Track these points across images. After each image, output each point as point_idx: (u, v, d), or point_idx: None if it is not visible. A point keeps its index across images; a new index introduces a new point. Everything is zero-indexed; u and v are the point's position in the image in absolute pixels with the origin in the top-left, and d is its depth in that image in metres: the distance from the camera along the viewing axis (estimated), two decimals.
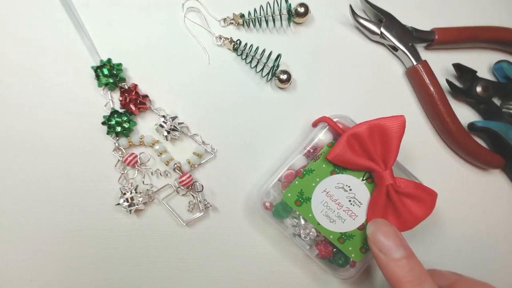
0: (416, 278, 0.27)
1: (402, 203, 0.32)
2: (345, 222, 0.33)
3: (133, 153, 0.36)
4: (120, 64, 0.37)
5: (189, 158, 0.37)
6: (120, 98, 0.36)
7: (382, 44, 0.39)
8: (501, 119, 0.38)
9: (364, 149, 0.31)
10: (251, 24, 0.38)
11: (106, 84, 0.36)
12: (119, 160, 0.36)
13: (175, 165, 0.36)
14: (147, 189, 0.36)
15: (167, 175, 0.37)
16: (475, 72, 0.38)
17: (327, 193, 0.33)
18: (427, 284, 0.26)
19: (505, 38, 0.39)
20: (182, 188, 0.36)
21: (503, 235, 0.39)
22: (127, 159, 0.36)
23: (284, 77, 0.37)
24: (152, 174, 0.37)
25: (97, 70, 0.36)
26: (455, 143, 0.38)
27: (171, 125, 0.36)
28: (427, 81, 0.37)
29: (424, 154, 0.39)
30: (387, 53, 0.40)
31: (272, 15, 0.38)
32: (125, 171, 0.37)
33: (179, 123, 0.37)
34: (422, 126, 0.39)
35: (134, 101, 0.36)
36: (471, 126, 0.39)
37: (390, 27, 0.38)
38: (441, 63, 0.40)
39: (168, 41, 0.38)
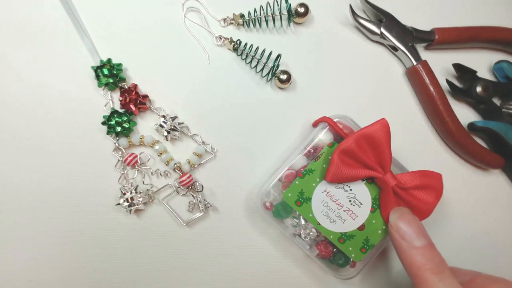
0: (436, 266, 0.27)
1: (412, 196, 0.32)
2: (345, 222, 0.33)
3: (133, 153, 0.36)
4: (120, 64, 0.37)
5: (189, 158, 0.37)
6: (120, 98, 0.36)
7: (382, 44, 0.39)
8: (501, 119, 0.38)
9: (358, 161, 0.32)
10: (251, 24, 0.38)
11: (106, 84, 0.36)
12: (119, 160, 0.36)
13: (175, 165, 0.36)
14: (147, 189, 0.36)
15: (167, 175, 0.37)
16: (475, 72, 0.38)
17: (328, 193, 0.33)
18: (447, 272, 0.27)
19: (505, 38, 0.39)
20: (182, 188, 0.36)
21: (503, 235, 0.39)
22: (127, 159, 0.36)
23: (284, 77, 0.37)
24: (152, 174, 0.37)
25: (97, 70, 0.36)
26: (455, 143, 0.38)
27: (171, 125, 0.36)
28: (427, 81, 0.37)
29: (424, 154, 0.39)
30: (387, 53, 0.40)
31: (272, 15, 0.38)
32: (125, 171, 0.37)
33: (179, 123, 0.37)
34: (422, 126, 0.39)
35: (134, 101, 0.36)
36: (471, 126, 0.39)
37: (390, 27, 0.38)
38: (441, 63, 0.40)
39: (168, 41, 0.38)
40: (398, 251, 0.30)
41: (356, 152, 0.31)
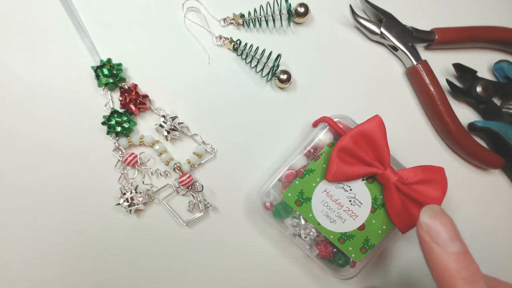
0: (470, 276, 0.25)
1: (416, 191, 0.32)
2: (345, 222, 0.33)
3: (133, 153, 0.36)
4: (120, 64, 0.37)
5: (189, 158, 0.37)
6: (120, 98, 0.36)
7: (382, 44, 0.39)
8: (501, 119, 0.38)
9: (357, 158, 0.32)
10: (251, 24, 0.38)
11: (106, 84, 0.36)
12: (119, 160, 0.36)
13: (175, 165, 0.36)
14: (147, 189, 0.36)
15: (167, 175, 0.37)
16: (475, 72, 0.38)
17: (328, 193, 0.33)
18: (481, 283, 0.25)
19: (505, 38, 0.39)
20: (182, 188, 0.36)
21: (503, 235, 0.39)
22: (127, 159, 0.36)
23: (284, 77, 0.37)
24: (152, 174, 0.37)
25: (97, 70, 0.36)
26: (455, 143, 0.38)
27: (171, 125, 0.36)
28: (427, 81, 0.37)
29: (424, 154, 0.39)
30: (387, 53, 0.40)
31: (272, 15, 0.38)
32: (125, 171, 0.37)
33: (179, 123, 0.37)
34: (422, 126, 0.39)
35: (134, 101, 0.36)
36: (471, 126, 0.39)
37: (390, 27, 0.38)
38: (441, 63, 0.40)
39: (168, 41, 0.38)
40: (427, 254, 0.26)
41: (354, 150, 0.31)
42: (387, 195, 0.33)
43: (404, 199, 0.32)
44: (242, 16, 0.38)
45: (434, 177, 0.32)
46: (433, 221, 0.27)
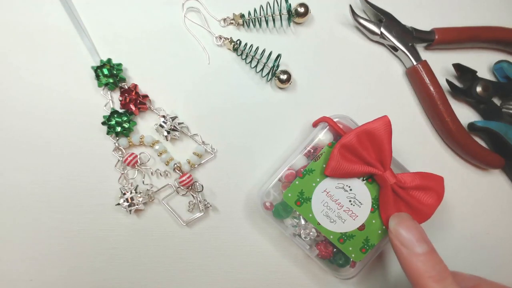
0: (437, 274, 0.27)
1: (411, 196, 0.32)
2: (345, 222, 0.33)
3: (133, 153, 0.36)
4: (120, 64, 0.37)
5: (189, 158, 0.37)
6: (120, 98, 0.36)
7: (382, 44, 0.39)
8: (501, 119, 0.38)
9: (358, 157, 0.32)
10: (251, 24, 0.38)
11: (106, 84, 0.36)
12: (119, 160, 0.36)
13: (175, 165, 0.36)
14: (147, 189, 0.36)
15: (167, 175, 0.37)
16: (475, 72, 0.38)
17: (327, 193, 0.33)
18: (449, 280, 0.26)
19: (505, 38, 0.39)
20: (182, 188, 0.36)
21: (503, 235, 0.39)
22: (127, 159, 0.36)
23: (284, 77, 0.37)
24: (152, 174, 0.37)
25: (97, 70, 0.36)
26: (455, 143, 0.38)
27: (171, 125, 0.36)
28: (427, 81, 0.37)
29: (424, 154, 0.39)
30: (387, 53, 0.40)
31: (272, 15, 0.38)
32: (125, 171, 0.37)
33: (179, 123, 0.37)
34: (422, 126, 0.39)
35: (134, 101, 0.36)
36: (471, 126, 0.39)
37: (390, 27, 0.38)
38: (441, 63, 0.40)
39: (168, 41, 0.38)
40: (398, 258, 0.29)
41: (357, 148, 0.31)
42: (382, 196, 0.33)
43: (399, 202, 0.32)
44: (242, 16, 0.38)
45: (432, 184, 0.32)
46: (400, 226, 0.29)
